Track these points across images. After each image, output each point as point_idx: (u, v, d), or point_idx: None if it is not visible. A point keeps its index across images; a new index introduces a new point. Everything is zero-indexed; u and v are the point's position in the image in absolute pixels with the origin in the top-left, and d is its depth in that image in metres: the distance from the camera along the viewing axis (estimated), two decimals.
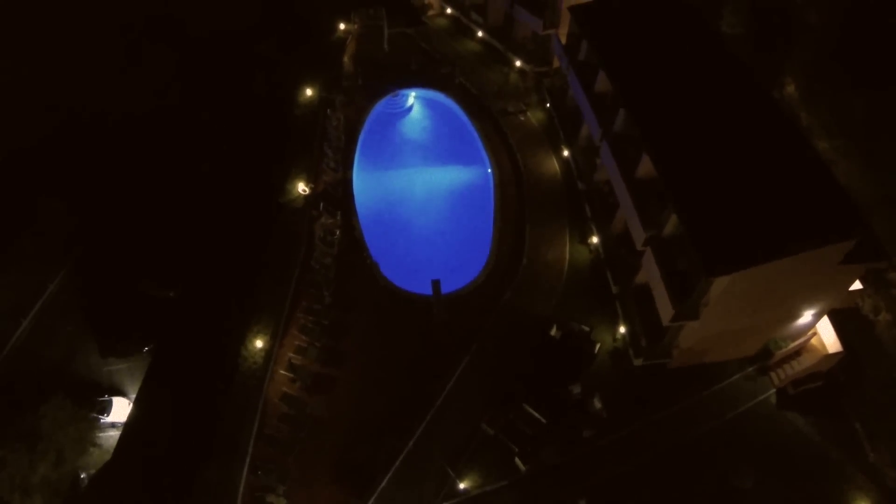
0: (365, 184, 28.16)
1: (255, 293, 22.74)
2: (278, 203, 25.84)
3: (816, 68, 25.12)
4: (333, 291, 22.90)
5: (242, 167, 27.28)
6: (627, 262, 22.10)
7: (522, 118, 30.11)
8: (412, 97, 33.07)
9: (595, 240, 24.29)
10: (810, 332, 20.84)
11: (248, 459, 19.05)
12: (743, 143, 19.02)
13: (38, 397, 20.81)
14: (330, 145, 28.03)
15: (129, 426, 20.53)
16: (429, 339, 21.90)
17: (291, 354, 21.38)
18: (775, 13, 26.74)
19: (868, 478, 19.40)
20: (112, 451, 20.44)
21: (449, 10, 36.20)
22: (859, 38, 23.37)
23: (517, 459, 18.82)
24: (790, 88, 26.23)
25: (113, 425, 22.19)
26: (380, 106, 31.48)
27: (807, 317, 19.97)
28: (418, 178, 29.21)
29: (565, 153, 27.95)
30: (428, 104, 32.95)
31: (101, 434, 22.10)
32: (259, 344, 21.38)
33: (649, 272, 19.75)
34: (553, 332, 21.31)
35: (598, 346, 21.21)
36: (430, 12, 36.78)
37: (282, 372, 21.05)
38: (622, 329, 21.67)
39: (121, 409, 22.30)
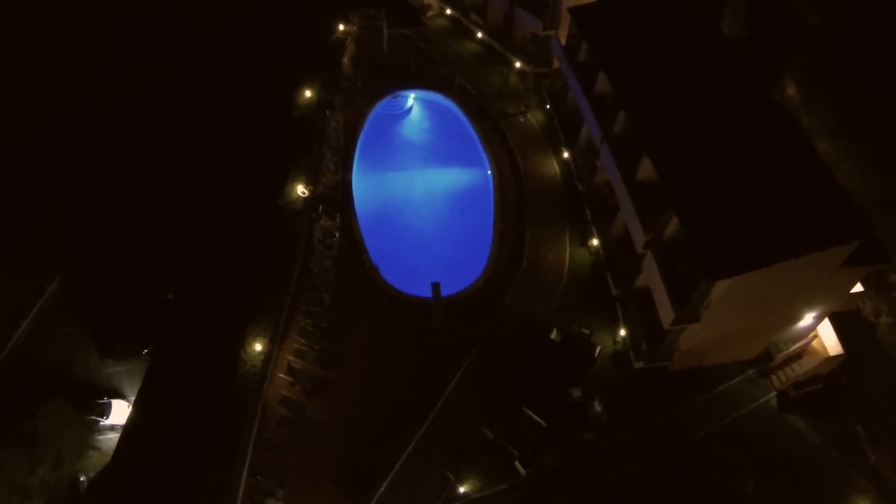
0: (364, 186, 28.08)
1: (253, 296, 22.69)
2: (277, 205, 25.77)
3: (817, 69, 25.03)
4: (333, 294, 22.83)
5: (241, 169, 27.24)
6: (628, 265, 22.03)
7: (522, 119, 30.04)
8: (412, 98, 32.99)
9: (595, 242, 24.22)
10: (811, 335, 20.79)
11: (247, 463, 18.99)
12: (744, 145, 18.96)
13: (36, 399, 20.79)
14: (329, 147, 27.96)
15: (128, 429, 20.49)
16: (428, 343, 21.84)
17: (290, 358, 21.32)
18: (775, 14, 26.65)
19: (869, 480, 19.36)
20: (111, 453, 20.40)
21: (448, 11, 36.11)
22: (860, 39, 23.28)
23: (517, 463, 18.77)
24: (790, 89, 26.15)
25: (112, 428, 22.16)
26: (379, 107, 31.39)
27: (808, 319, 19.93)
28: (418, 179, 29.13)
29: (565, 155, 27.88)
30: (427, 105, 32.87)
31: (99, 437, 22.09)
32: (258, 347, 21.32)
33: (650, 275, 19.69)
34: (553, 335, 21.24)
35: (598, 349, 21.16)
36: (430, 13, 36.68)
37: (281, 375, 20.99)
38: (622, 332, 21.61)
39: (120, 412, 22.27)
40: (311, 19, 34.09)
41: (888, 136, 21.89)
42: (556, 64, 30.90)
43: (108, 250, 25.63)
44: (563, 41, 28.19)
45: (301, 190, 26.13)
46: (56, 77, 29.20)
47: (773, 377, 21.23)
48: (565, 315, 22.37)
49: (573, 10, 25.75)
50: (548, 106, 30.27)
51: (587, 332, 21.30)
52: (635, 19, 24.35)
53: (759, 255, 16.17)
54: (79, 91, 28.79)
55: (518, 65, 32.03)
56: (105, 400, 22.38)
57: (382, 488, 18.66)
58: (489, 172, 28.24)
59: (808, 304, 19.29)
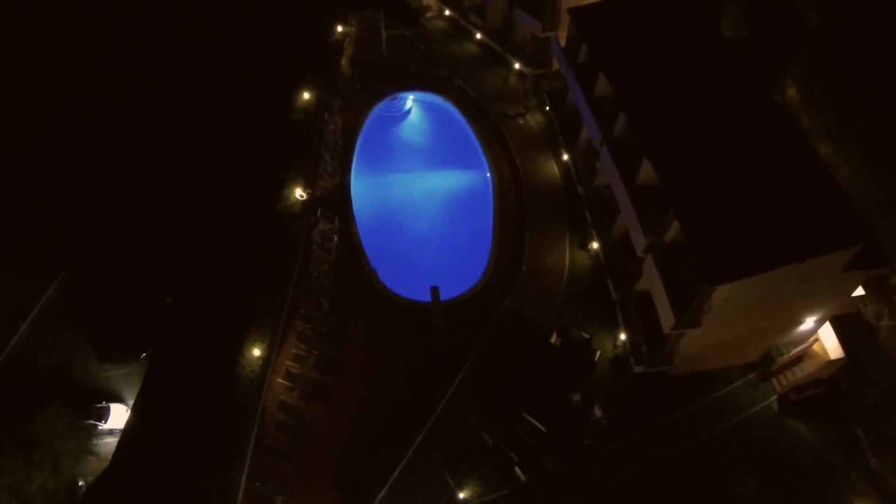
0: (363, 189, 27.97)
1: (251, 300, 22.59)
2: (275, 209, 25.66)
3: (818, 70, 24.93)
4: (331, 298, 22.74)
5: (240, 171, 27.12)
6: (628, 269, 21.93)
7: (521, 121, 29.91)
8: (410, 100, 32.85)
9: (595, 245, 24.11)
10: (812, 339, 20.72)
11: (246, 468, 18.91)
12: (745, 148, 18.86)
13: (35, 404, 20.71)
14: (327, 149, 27.84)
15: (127, 434, 20.39)
16: (428, 347, 21.75)
17: (289, 363, 21.23)
18: (776, 15, 26.53)
19: (870, 484, 19.32)
20: (109, 458, 20.33)
21: (447, 12, 35.97)
22: (861, 40, 23.17)
23: (517, 468, 18.70)
24: (791, 91, 26.04)
25: (110, 432, 22.05)
26: (378, 109, 31.28)
27: (808, 323, 19.85)
28: (417, 182, 29.03)
29: (565, 157, 27.75)
30: (426, 107, 32.75)
31: (98, 441, 21.97)
32: (256, 352, 21.23)
33: (650, 279, 19.60)
34: (553, 339, 21.15)
35: (598, 353, 21.05)
36: (429, 14, 36.53)
37: (279, 380, 20.90)
38: (623, 336, 21.52)
39: (118, 416, 22.15)
40: (310, 21, 33.93)
41: (889, 138, 21.81)
42: (555, 65, 30.78)
43: (107, 253, 25.51)
44: (563, 42, 28.05)
45: (299, 193, 26.01)
46: (54, 78, 29.05)
47: (774, 381, 21.16)
48: (565, 319, 22.28)
49: (572, 11, 25.61)
50: (547, 108, 30.14)
51: (587, 336, 21.20)
52: (635, 20, 24.21)
53: (761, 259, 16.08)
54: (77, 92, 28.65)
55: (517, 66, 31.90)
56: (103, 404, 22.24)
57: (382, 494, 18.59)
58: (488, 175, 28.14)
59: (809, 308, 19.22)
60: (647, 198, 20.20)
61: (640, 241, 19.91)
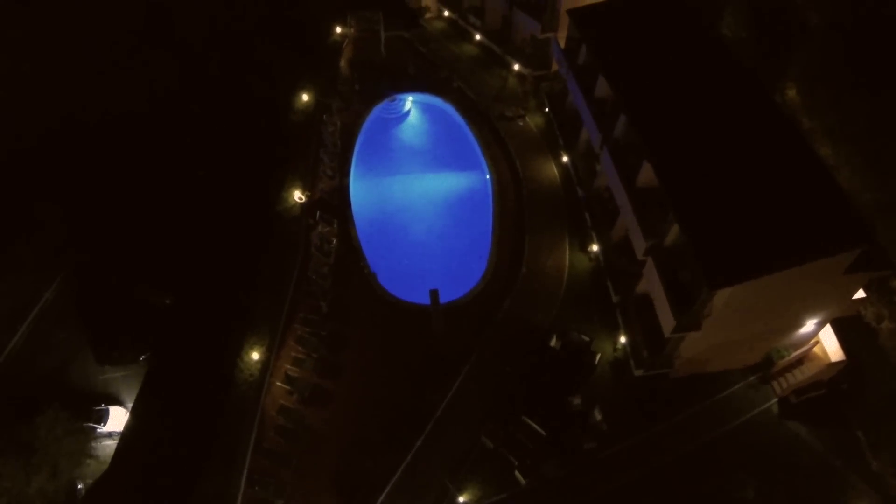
0: (362, 191, 27.90)
1: (250, 304, 22.53)
2: (274, 211, 25.59)
3: (818, 71, 24.83)
4: (330, 302, 22.66)
5: (238, 173, 27.05)
6: (628, 271, 21.86)
7: (521, 123, 29.83)
8: (409, 102, 32.76)
9: (595, 248, 24.04)
10: (813, 341, 20.68)
11: (245, 472, 18.87)
12: (745, 150, 18.79)
13: (34, 407, 20.65)
14: (326, 151, 27.75)
15: (126, 437, 20.35)
16: (427, 350, 21.68)
17: (288, 366, 21.17)
18: (776, 16, 26.43)
19: (870, 486, 19.28)
20: (108, 461, 20.30)
21: (446, 13, 35.86)
22: (862, 40, 23.07)
23: (517, 472, 18.65)
24: (791, 92, 25.95)
25: (109, 435, 22.00)
26: (377, 111, 31.19)
27: (809, 326, 19.79)
28: (416, 184, 28.95)
29: (564, 159, 27.67)
30: (425, 109, 32.66)
31: (97, 444, 21.92)
32: (255, 356, 21.16)
33: (650, 282, 19.54)
34: (553, 342, 21.09)
35: (598, 356, 21.01)
36: (428, 15, 36.41)
37: (279, 384, 20.84)
38: (623, 339, 21.46)
39: (117, 419, 22.10)
40: (309, 22, 33.84)
41: (889, 138, 21.72)
42: (554, 66, 30.69)
43: (106, 255, 25.46)
44: (563, 44, 27.96)
45: (298, 195, 25.94)
46: (52, 81, 28.98)
47: (775, 383, 21.11)
48: (565, 321, 22.23)
49: (572, 13, 25.52)
50: (547, 109, 30.05)
51: (587, 339, 21.15)
52: (635, 22, 24.11)
53: (762, 262, 16.03)
54: (76, 93, 28.59)
55: (517, 67, 31.81)
56: (102, 407, 22.21)
57: (382, 497, 18.55)
58: (488, 177, 28.05)
59: (810, 311, 19.16)
60: (648, 200, 20.12)
61: (640, 244, 19.84)
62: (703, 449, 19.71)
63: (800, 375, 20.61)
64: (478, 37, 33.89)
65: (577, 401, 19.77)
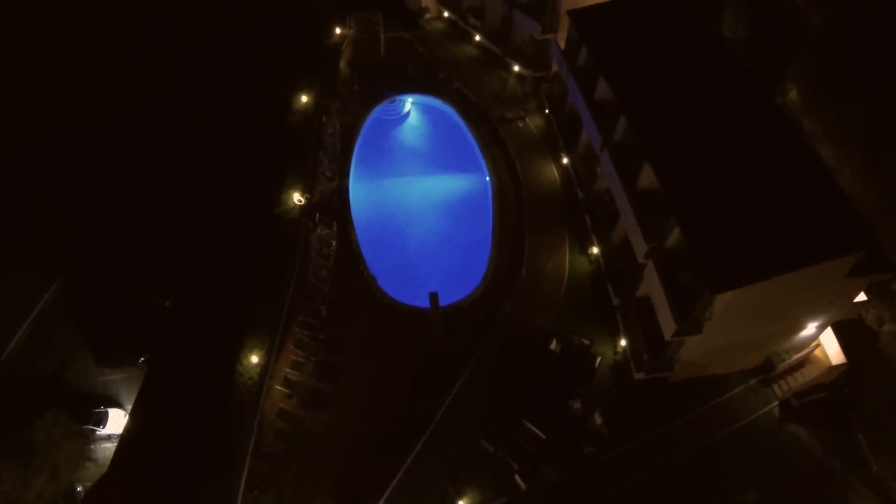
0: (361, 193, 27.80)
1: (249, 306, 22.46)
2: (273, 213, 25.52)
3: (819, 73, 24.74)
4: (330, 305, 22.59)
5: (238, 175, 26.99)
6: (629, 274, 21.78)
7: (521, 124, 29.74)
8: (409, 103, 32.67)
9: (595, 250, 23.95)
10: (813, 344, 20.62)
11: (244, 476, 18.81)
12: (746, 152, 18.72)
13: (33, 409, 20.62)
14: (325, 153, 27.67)
15: (125, 440, 20.29)
16: (427, 354, 21.61)
17: (287, 370, 21.11)
18: (776, 16, 26.33)
19: (871, 490, 19.23)
20: (107, 464, 20.25)
21: (446, 14, 35.75)
22: (863, 41, 22.98)
23: (517, 476, 18.60)
24: (792, 93, 25.86)
25: (108, 438, 21.96)
26: (376, 112, 31.09)
27: (810, 328, 19.73)
28: (415, 186, 28.85)
29: (565, 161, 27.58)
30: (425, 110, 32.57)
31: (96, 447, 21.89)
32: (255, 359, 21.10)
33: (651, 285, 19.47)
34: (553, 345, 21.03)
35: (598, 359, 20.95)
36: (427, 16, 36.31)
37: (278, 388, 20.78)
38: (623, 342, 21.38)
39: (116, 421, 22.06)
40: (308, 22, 33.75)
41: (891, 140, 21.64)
42: (554, 67, 30.58)
43: (105, 257, 25.43)
44: (563, 45, 27.86)
45: (297, 198, 25.86)
46: (51, 82, 28.95)
47: (775, 386, 21.05)
48: (565, 325, 22.15)
49: (572, 14, 25.42)
50: (547, 111, 29.95)
51: (587, 342, 21.09)
52: (635, 23, 24.02)
53: (763, 266, 15.94)
54: (74, 96, 28.54)
55: (517, 68, 31.71)
56: (101, 409, 22.17)
57: (381, 501, 18.49)
58: (487, 179, 27.96)
59: (811, 314, 19.09)
60: (648, 203, 20.05)
61: (640, 247, 19.76)
62: (704, 452, 19.65)
63: (801, 378, 20.55)
64: (477, 38, 33.79)
65: (577, 404, 19.71)
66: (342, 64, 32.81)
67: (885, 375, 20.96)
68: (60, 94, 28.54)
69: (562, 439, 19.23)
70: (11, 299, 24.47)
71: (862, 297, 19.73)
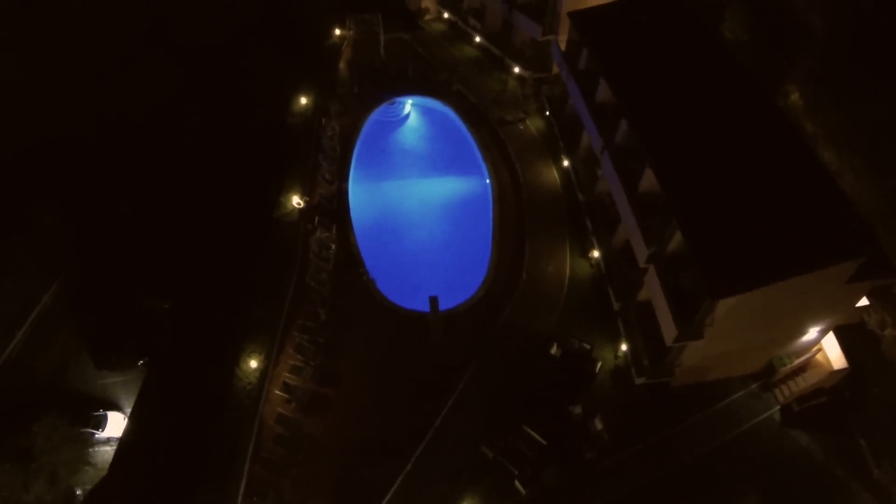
0: (361, 196, 27.68)
1: (248, 311, 22.38)
2: (272, 216, 25.42)
3: (820, 75, 24.61)
4: (329, 309, 22.49)
5: (237, 178, 26.91)
6: (629, 279, 21.68)
7: (521, 127, 29.61)
8: (409, 105, 32.55)
9: (596, 254, 23.84)
10: (815, 349, 20.52)
11: (243, 482, 18.73)
12: (748, 156, 18.61)
13: (32, 412, 20.57)
14: (325, 156, 27.55)
15: (124, 444, 20.24)
16: (427, 358, 21.52)
17: (286, 374, 21.02)
18: (777, 18, 26.19)
19: (873, 495, 19.15)
20: (107, 468, 20.21)
21: (446, 15, 35.62)
22: (864, 43, 22.85)
23: (517, 482, 18.52)
24: (794, 96, 25.73)
25: (108, 441, 21.92)
26: (376, 114, 30.97)
27: (812, 333, 19.64)
28: (415, 189, 28.73)
29: (565, 163, 27.45)
30: (425, 112, 32.44)
31: (95, 450, 21.84)
32: (254, 364, 21.01)
33: (652, 290, 19.37)
34: (553, 350, 20.94)
35: (599, 364, 20.86)
36: (427, 17, 36.18)
37: (277, 392, 20.70)
38: (624, 346, 21.28)
39: (116, 424, 22.01)
40: (307, 24, 33.62)
41: (893, 143, 21.51)
42: (555, 69, 30.45)
43: (104, 258, 25.38)
44: (563, 46, 27.73)
45: (296, 201, 25.76)
46: (51, 84, 28.86)
47: (777, 391, 20.96)
48: (566, 329, 22.05)
49: (573, 15, 25.29)
50: (547, 113, 29.82)
51: (588, 346, 21.01)
52: (636, 25, 23.88)
53: (765, 272, 15.85)
54: (74, 97, 28.45)
55: (517, 70, 31.57)
56: (101, 412, 22.13)
57: None
58: (488, 181, 27.84)
59: (812, 319, 19.00)
60: (649, 207, 19.94)
61: (641, 252, 19.66)
62: (705, 458, 19.55)
63: (802, 383, 20.46)
64: (478, 39, 33.65)
65: (577, 409, 19.62)
66: (341, 65, 32.68)
67: (887, 380, 20.88)
68: (60, 96, 28.45)
69: (562, 445, 19.14)
70: (11, 301, 24.44)
71: (864, 301, 19.64)
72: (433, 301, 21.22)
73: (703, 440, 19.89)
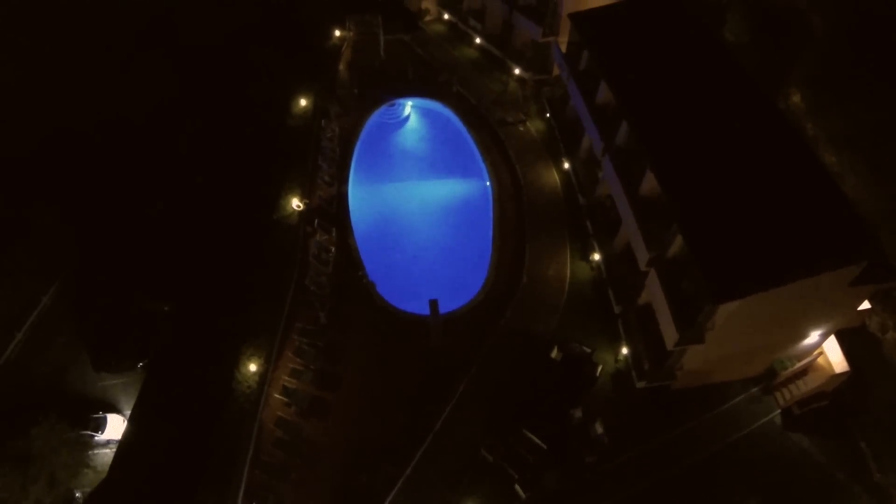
0: (360, 198, 27.61)
1: (248, 313, 22.31)
2: (272, 219, 25.36)
3: (822, 76, 24.52)
4: (328, 312, 22.43)
5: (236, 180, 26.86)
6: (630, 282, 21.61)
7: (522, 128, 29.53)
8: (409, 107, 32.46)
9: (597, 256, 23.76)
10: (816, 352, 20.44)
11: (243, 485, 18.68)
12: (750, 159, 18.53)
13: (31, 414, 20.54)
14: (324, 158, 27.48)
15: (123, 447, 20.19)
16: (427, 361, 21.46)
17: (286, 378, 20.96)
18: (779, 20, 26.10)
19: (874, 498, 19.07)
20: (106, 470, 20.18)
21: (446, 16, 35.52)
22: (866, 45, 22.76)
23: (517, 486, 18.46)
24: (795, 97, 25.64)
25: (107, 443, 21.88)
26: (376, 116, 30.89)
27: (813, 336, 19.58)
28: (415, 191, 28.65)
29: (566, 165, 27.37)
30: (425, 114, 32.35)
31: (94, 452, 21.82)
32: (253, 367, 20.95)
33: (653, 294, 19.30)
34: (554, 353, 20.87)
35: (599, 367, 20.79)
36: (427, 18, 36.08)
37: (276, 396, 20.64)
38: (624, 350, 21.22)
39: (115, 427, 21.98)
40: (307, 25, 33.55)
41: (895, 145, 21.43)
42: (555, 71, 30.37)
43: (104, 260, 25.33)
44: (564, 48, 27.63)
45: (296, 203, 25.69)
46: (50, 85, 28.80)
47: (778, 394, 20.90)
48: (566, 332, 21.98)
49: (573, 17, 25.20)
50: (548, 114, 29.73)
51: (588, 350, 20.94)
52: (637, 26, 23.80)
53: (767, 276, 15.78)
54: (73, 99, 28.40)
55: (517, 71, 31.47)
56: (100, 414, 22.09)
57: None
58: (488, 183, 27.76)
59: (814, 322, 18.94)
60: (651, 210, 19.86)
61: (642, 255, 19.58)
62: (706, 461, 19.49)
63: (803, 386, 20.39)
64: (478, 40, 33.56)
65: (578, 413, 19.56)
66: (341, 67, 32.60)
67: (888, 383, 20.78)
68: (59, 98, 28.39)
69: (562, 448, 19.07)
70: (10, 303, 24.40)
71: (865, 304, 19.57)
72: (433, 304, 21.14)
73: (703, 444, 19.83)
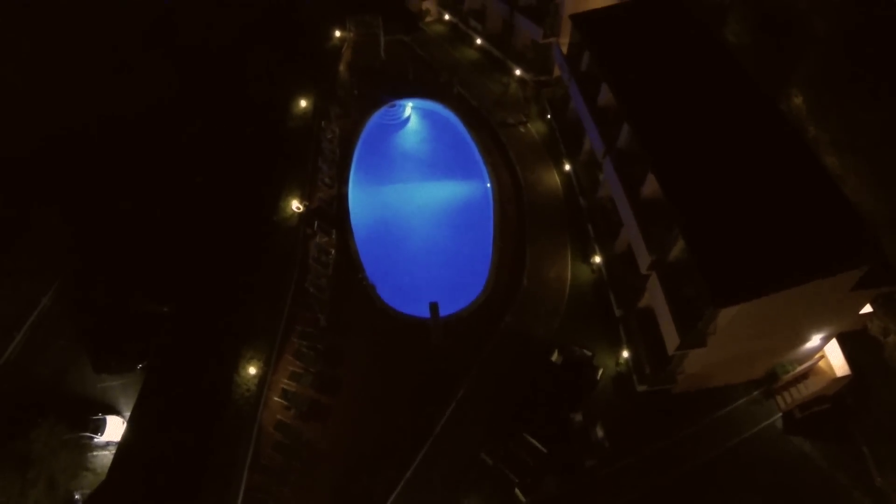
0: (360, 200, 27.53)
1: (247, 316, 22.26)
2: (272, 221, 25.30)
3: (824, 78, 24.43)
4: (328, 314, 22.37)
5: (236, 181, 26.81)
6: (631, 285, 21.52)
7: (522, 130, 29.45)
8: (409, 108, 32.39)
9: (598, 259, 23.69)
10: (818, 356, 20.37)
11: (242, 489, 18.64)
12: (751, 162, 18.45)
13: (30, 417, 20.56)
14: (324, 159, 27.41)
15: (123, 450, 20.15)
16: (427, 365, 21.40)
17: (285, 381, 20.91)
18: (781, 22, 26.00)
19: (875, 503, 18.99)
20: (105, 472, 20.14)
21: (447, 17, 35.43)
22: (868, 46, 22.66)
23: (517, 490, 18.40)
24: (797, 99, 25.54)
25: (106, 445, 21.86)
26: (376, 117, 30.82)
27: (815, 340, 19.51)
28: (415, 193, 28.57)
29: (567, 167, 27.29)
30: (425, 115, 32.27)
31: (94, 454, 21.81)
32: (252, 370, 20.90)
33: (654, 297, 19.23)
34: (554, 356, 20.81)
35: (600, 371, 20.73)
36: (428, 19, 36.00)
37: (276, 399, 20.60)
38: (625, 353, 21.14)
39: (115, 428, 21.95)
40: (307, 26, 33.50)
41: None
42: (556, 72, 30.27)
43: (104, 261, 25.31)
44: (565, 49, 27.54)
45: (296, 205, 25.63)
46: (50, 85, 28.81)
47: (779, 398, 20.82)
48: (567, 335, 21.91)
49: (574, 18, 25.11)
50: (548, 116, 29.64)
51: (589, 353, 20.87)
52: (639, 27, 23.72)
53: (769, 280, 15.70)
54: (73, 100, 28.41)
55: (518, 73, 31.38)
56: (99, 416, 22.07)
57: None
58: (488, 185, 27.68)
59: (815, 326, 18.87)
60: (652, 213, 19.78)
61: (643, 258, 19.51)
62: (707, 465, 19.42)
63: (804, 390, 20.31)
64: (479, 41, 33.48)
65: (578, 417, 19.50)
66: (342, 68, 32.54)
67: (890, 387, 20.70)
68: (59, 99, 28.39)
69: (563, 452, 19.02)
70: (10, 303, 24.40)
71: (867, 308, 19.50)
72: (433, 307, 21.09)
73: (704, 447, 19.75)
